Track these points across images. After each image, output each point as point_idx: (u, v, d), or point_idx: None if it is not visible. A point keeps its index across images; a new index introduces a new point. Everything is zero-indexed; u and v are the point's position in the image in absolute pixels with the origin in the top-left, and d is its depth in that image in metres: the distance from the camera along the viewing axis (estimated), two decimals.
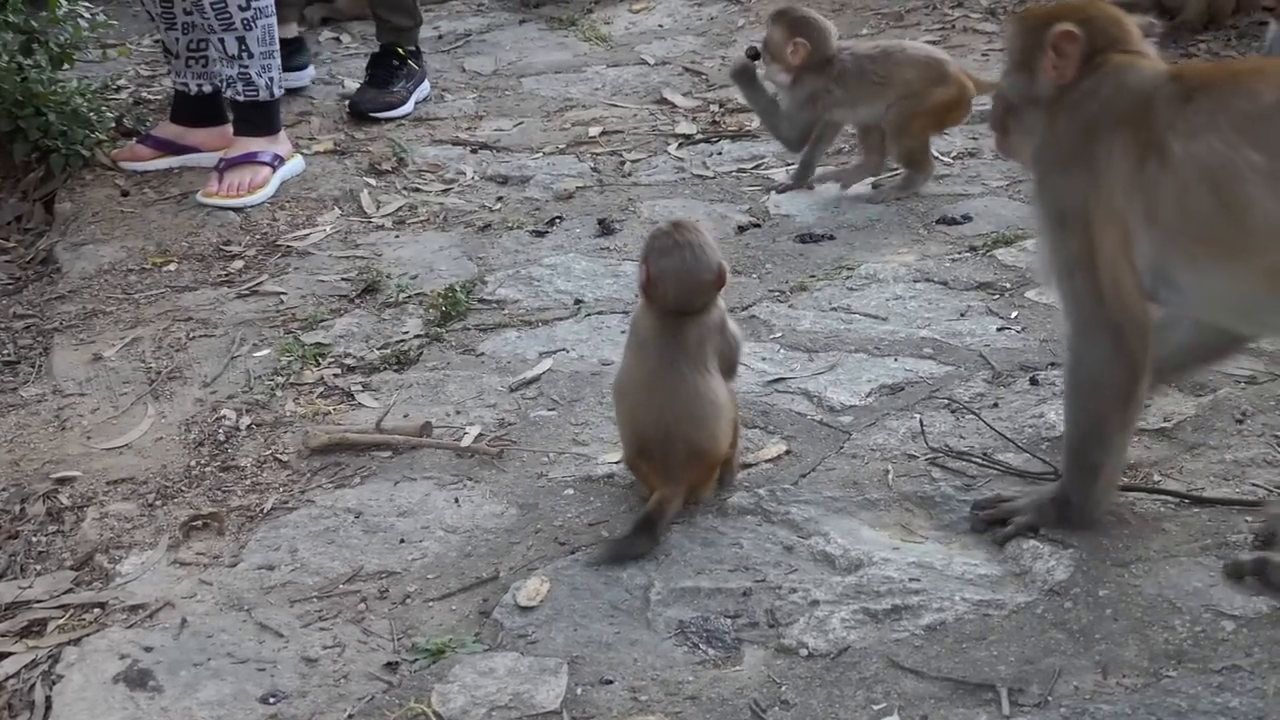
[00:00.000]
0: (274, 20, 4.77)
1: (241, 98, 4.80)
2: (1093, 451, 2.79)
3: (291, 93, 5.35)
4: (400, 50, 5.64)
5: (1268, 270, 2.50)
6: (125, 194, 4.81)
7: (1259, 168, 2.45)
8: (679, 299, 2.98)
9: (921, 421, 3.26)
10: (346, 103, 5.51)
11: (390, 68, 5.61)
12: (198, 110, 4.97)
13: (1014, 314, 3.73)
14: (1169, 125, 2.56)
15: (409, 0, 5.72)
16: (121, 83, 5.53)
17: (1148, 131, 2.59)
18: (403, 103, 5.54)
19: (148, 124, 5.28)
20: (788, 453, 3.24)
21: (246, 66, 4.75)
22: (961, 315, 3.76)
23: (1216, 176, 2.49)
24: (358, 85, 5.62)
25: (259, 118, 4.82)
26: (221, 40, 4.72)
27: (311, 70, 5.76)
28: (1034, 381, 3.41)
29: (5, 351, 3.97)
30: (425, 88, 5.71)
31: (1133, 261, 2.63)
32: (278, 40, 4.79)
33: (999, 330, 3.66)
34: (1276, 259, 2.48)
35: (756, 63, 4.50)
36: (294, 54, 5.55)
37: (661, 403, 2.94)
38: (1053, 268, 2.74)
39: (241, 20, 4.69)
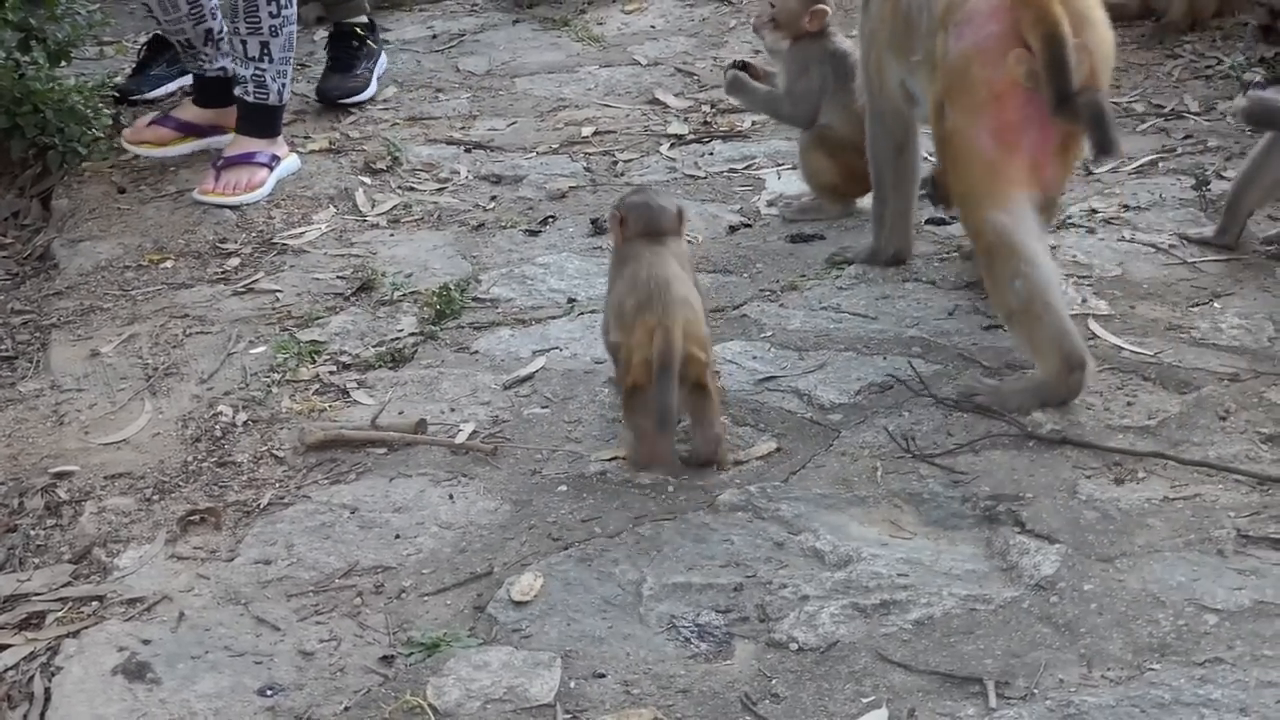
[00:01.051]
0: (295, 28, 4.83)
1: (250, 99, 4.83)
2: (879, 202, 4.03)
3: None
4: (358, 30, 5.66)
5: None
6: (122, 191, 4.84)
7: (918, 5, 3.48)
8: (649, 223, 3.35)
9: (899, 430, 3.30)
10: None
11: (350, 49, 5.62)
12: (220, 91, 5.00)
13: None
14: None
15: None
16: (118, 80, 5.55)
17: None
18: (366, 85, 5.57)
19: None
20: (778, 450, 3.28)
21: (263, 70, 4.78)
22: (949, 314, 3.80)
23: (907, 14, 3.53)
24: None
25: (263, 120, 4.85)
26: (244, 42, 4.75)
27: None
28: None
29: (3, 347, 4.01)
30: (383, 62, 5.75)
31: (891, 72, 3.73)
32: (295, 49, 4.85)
33: (986, 329, 3.70)
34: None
35: (745, 72, 4.52)
36: None
37: (663, 287, 3.18)
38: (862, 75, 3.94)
39: (269, 26, 4.73)
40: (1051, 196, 3.49)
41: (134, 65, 5.69)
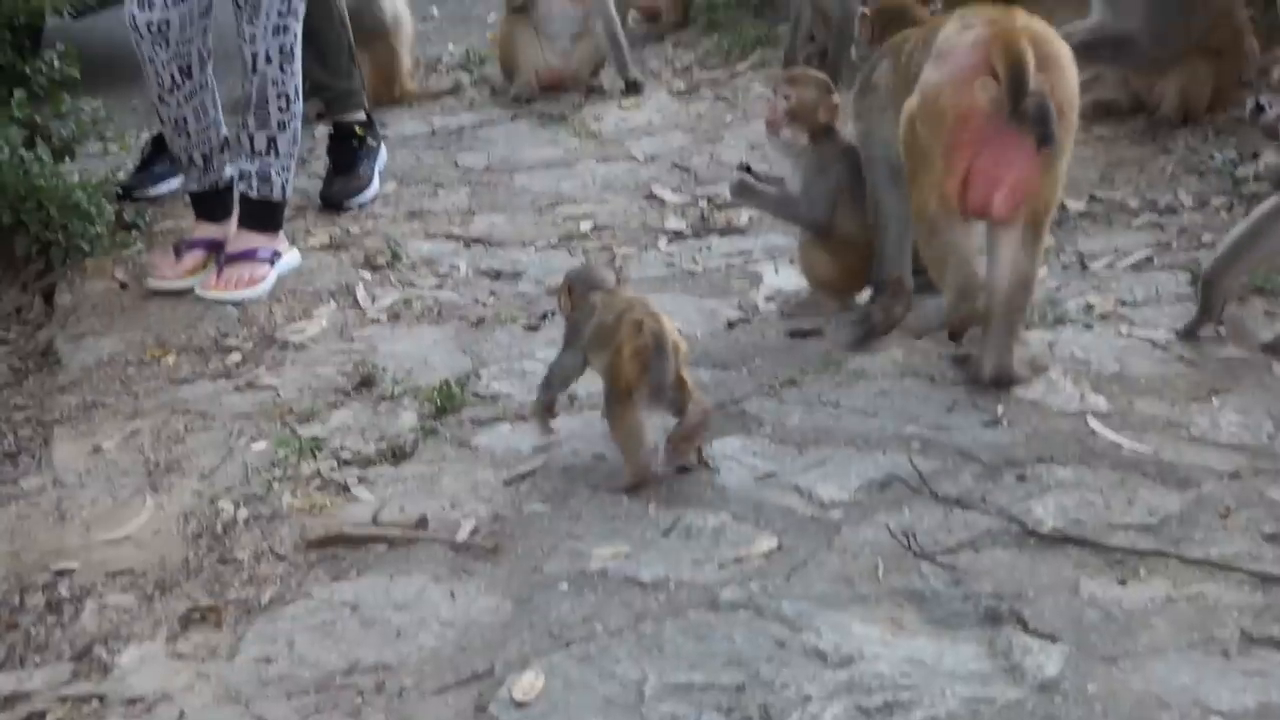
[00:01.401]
0: (300, 124, 4.87)
1: (255, 194, 4.87)
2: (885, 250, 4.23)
3: None
4: (357, 128, 5.72)
5: None
6: (124, 286, 4.87)
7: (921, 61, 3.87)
8: (593, 282, 3.76)
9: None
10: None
11: (351, 150, 5.68)
12: (225, 202, 5.02)
13: (1000, 409, 3.79)
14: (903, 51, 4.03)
15: (345, 61, 5.78)
16: (121, 176, 5.60)
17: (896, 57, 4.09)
18: (369, 184, 5.62)
19: (145, 219, 5.35)
20: (779, 547, 3.28)
21: (269, 164, 4.83)
22: (949, 410, 3.81)
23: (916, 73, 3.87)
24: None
25: (266, 215, 4.90)
26: (252, 137, 4.80)
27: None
28: (1021, 478, 3.46)
29: (5, 443, 4.02)
30: (383, 156, 5.81)
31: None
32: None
33: (985, 425, 3.72)
34: None
35: (750, 174, 4.54)
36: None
37: (637, 299, 3.64)
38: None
39: (278, 121, 4.78)
40: (998, 220, 3.84)
41: (137, 162, 5.74)
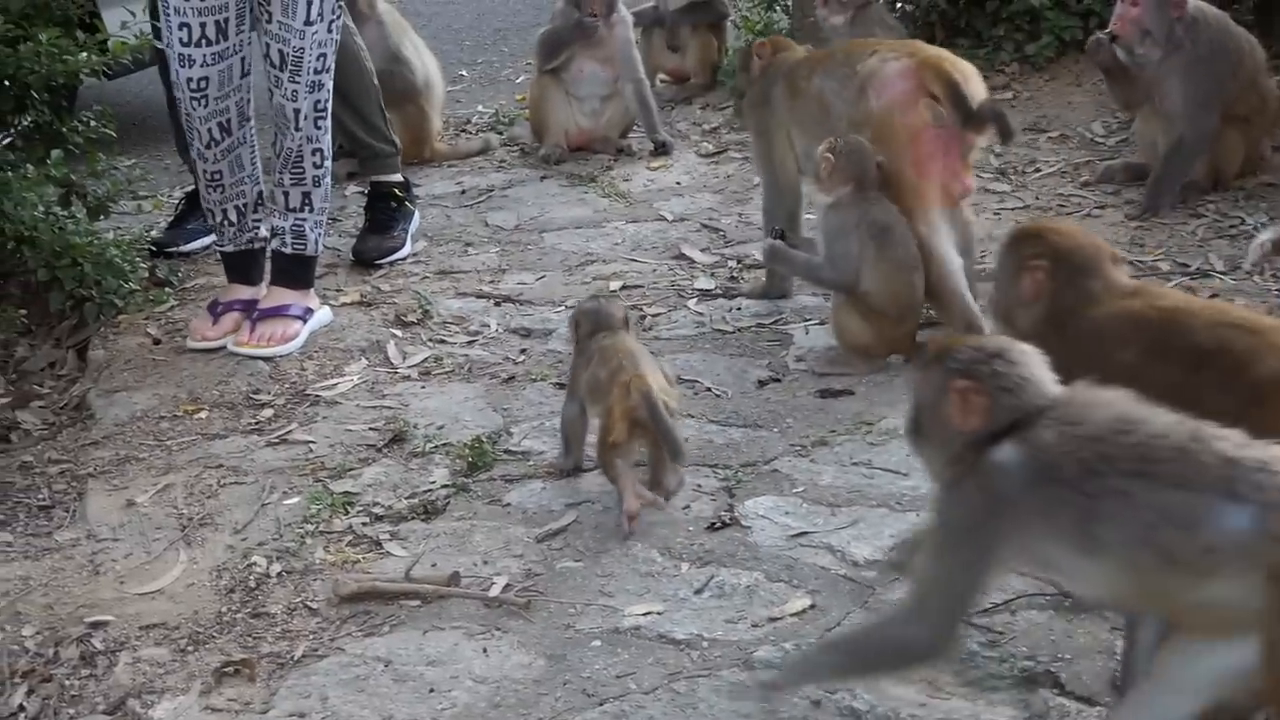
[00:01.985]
0: (331, 180, 4.92)
1: (289, 249, 4.91)
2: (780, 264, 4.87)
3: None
4: (395, 191, 5.78)
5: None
6: (157, 342, 4.90)
7: (832, 88, 4.66)
8: (599, 321, 3.97)
9: None
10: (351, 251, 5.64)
11: (389, 210, 5.73)
12: (256, 262, 5.07)
13: None
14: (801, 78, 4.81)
15: (380, 121, 5.85)
16: (154, 234, 5.65)
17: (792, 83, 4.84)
18: (402, 245, 5.67)
19: (178, 276, 5.39)
20: (812, 607, 3.28)
21: (303, 220, 4.88)
22: None
23: (819, 98, 4.69)
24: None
25: (299, 271, 4.93)
26: (287, 193, 4.85)
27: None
28: None
29: (40, 496, 4.03)
30: (416, 219, 5.86)
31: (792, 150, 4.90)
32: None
33: None
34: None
35: (783, 238, 4.60)
36: None
37: (631, 355, 3.81)
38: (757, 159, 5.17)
39: (312, 177, 4.84)
40: (954, 209, 4.59)
41: (171, 219, 5.79)
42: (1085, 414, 2.41)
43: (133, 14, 4.96)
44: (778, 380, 4.48)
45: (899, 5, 7.49)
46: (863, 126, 4.51)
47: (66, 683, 3.19)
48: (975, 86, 4.50)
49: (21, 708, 3.15)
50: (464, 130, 7.56)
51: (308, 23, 4.64)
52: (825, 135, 4.54)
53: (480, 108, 7.95)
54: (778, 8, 7.81)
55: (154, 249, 5.53)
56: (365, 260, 5.56)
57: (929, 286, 4.49)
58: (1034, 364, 2.51)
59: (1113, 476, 2.31)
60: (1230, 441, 2.30)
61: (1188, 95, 5.44)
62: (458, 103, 7.99)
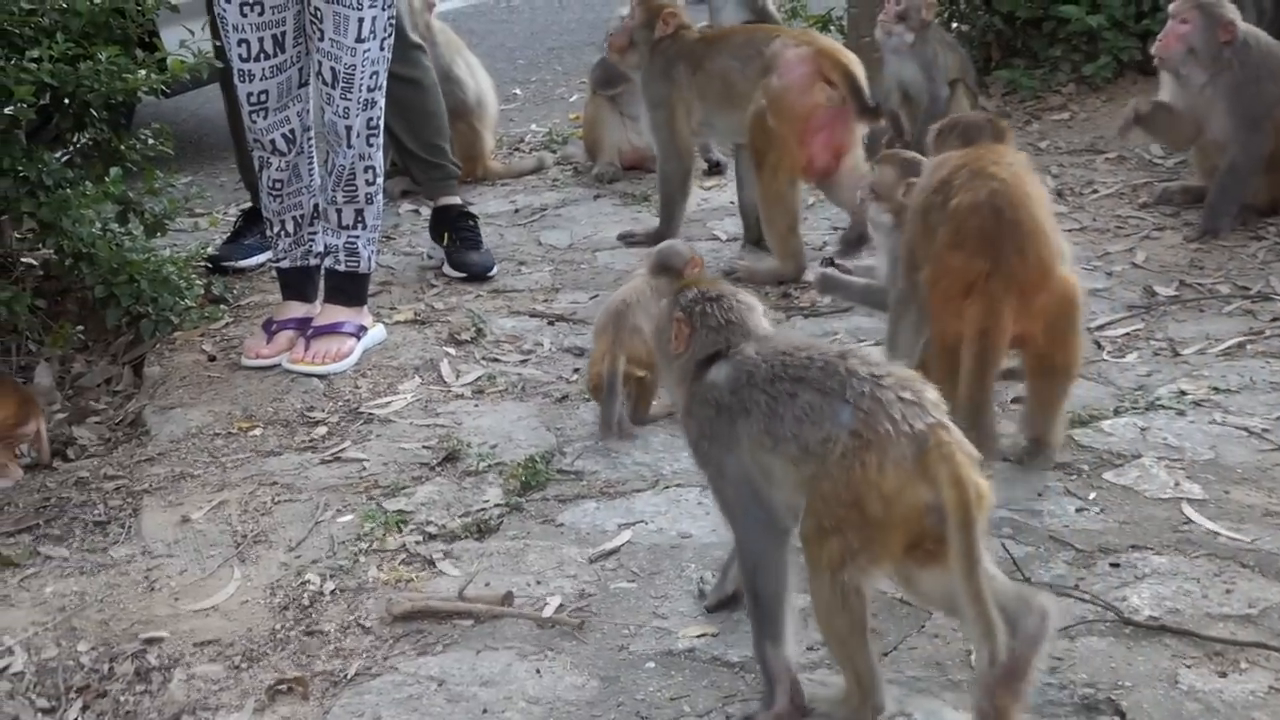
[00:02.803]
0: (383, 196, 4.95)
1: (342, 267, 4.93)
2: (669, 209, 5.83)
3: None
4: (469, 210, 5.88)
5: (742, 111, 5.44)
6: (212, 359, 4.92)
7: (735, 67, 5.45)
8: (664, 263, 4.41)
9: None
10: (442, 266, 5.72)
11: (472, 228, 5.81)
12: (309, 280, 5.09)
13: (1092, 495, 3.75)
14: (704, 57, 5.52)
15: (443, 143, 5.97)
16: (209, 251, 5.68)
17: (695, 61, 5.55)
18: (492, 260, 5.75)
19: (233, 293, 5.42)
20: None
21: (356, 237, 4.90)
22: (1039, 495, 3.77)
23: (724, 74, 5.49)
24: (444, 251, 5.77)
25: (353, 288, 4.95)
26: (340, 211, 4.87)
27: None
28: (1115, 565, 3.41)
29: (96, 512, 4.05)
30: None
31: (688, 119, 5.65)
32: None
33: (1078, 511, 3.67)
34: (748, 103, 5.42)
35: (834, 266, 4.51)
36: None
37: (619, 315, 4.31)
38: (655, 129, 5.72)
39: (365, 194, 4.86)
40: (832, 175, 5.46)
41: (228, 234, 5.81)
42: (775, 342, 3.00)
43: (191, 32, 4.98)
44: None
45: (955, 26, 7.47)
46: (764, 100, 5.32)
47: (121, 699, 3.20)
48: (863, 78, 5.33)
49: None
50: (517, 149, 7.59)
51: (359, 40, 4.65)
52: (728, 105, 5.48)
53: (534, 126, 7.97)
54: (832, 28, 7.80)
55: (210, 265, 5.56)
56: (477, 273, 5.64)
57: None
58: (746, 309, 3.09)
59: (784, 381, 2.85)
60: (862, 359, 2.84)
61: (1237, 117, 5.40)
62: (511, 121, 8.02)
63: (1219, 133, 5.45)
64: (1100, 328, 4.73)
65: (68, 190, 4.86)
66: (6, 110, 4.74)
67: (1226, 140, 5.44)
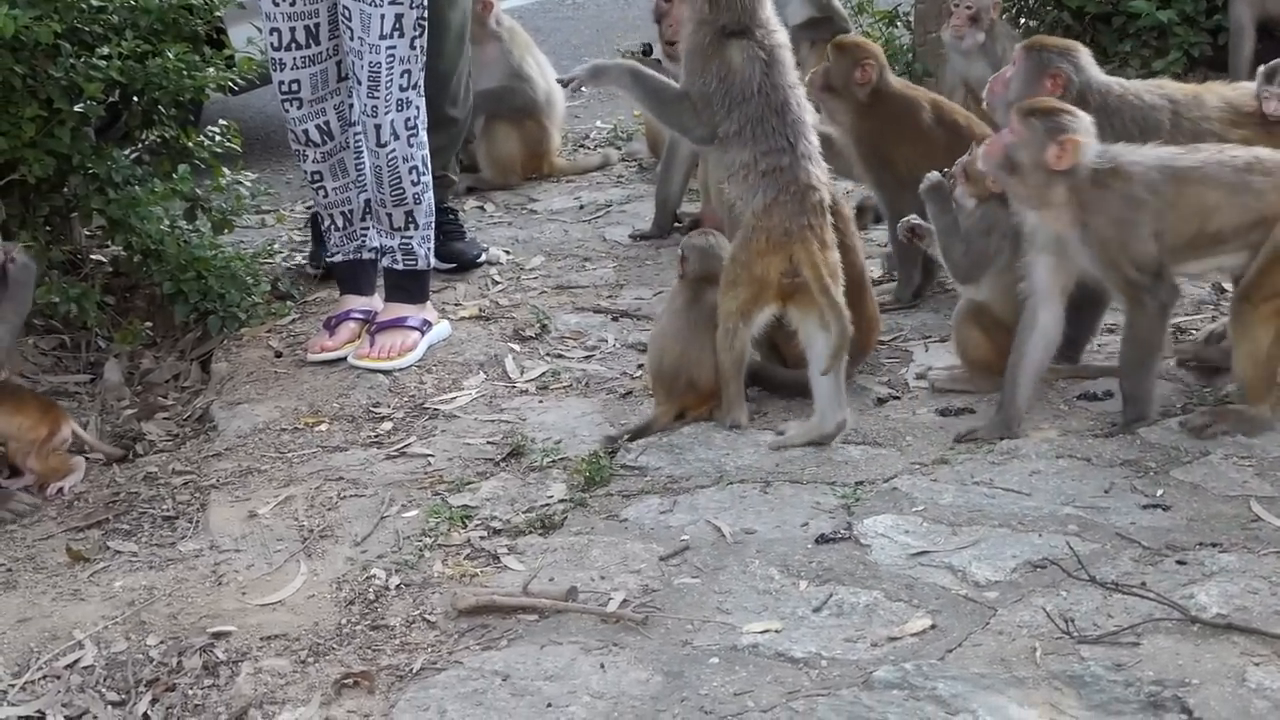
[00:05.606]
0: (432, 193, 4.95)
1: (400, 266, 4.95)
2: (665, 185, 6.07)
3: None
4: (450, 205, 5.89)
5: None
6: (279, 355, 4.96)
7: None
8: (699, 268, 4.38)
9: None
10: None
11: (454, 220, 5.83)
12: (366, 274, 5.12)
13: (1160, 492, 3.71)
14: None
15: (453, 161, 5.96)
16: (276, 248, 5.73)
17: None
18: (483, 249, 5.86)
19: (299, 289, 5.45)
20: (933, 627, 3.23)
21: (410, 237, 4.92)
22: (1105, 492, 3.74)
23: None
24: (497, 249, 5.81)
25: (413, 285, 4.97)
26: (390, 214, 4.89)
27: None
28: (1182, 563, 3.38)
29: (165, 507, 4.10)
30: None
31: None
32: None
33: (1145, 508, 3.64)
34: None
35: (951, 181, 4.45)
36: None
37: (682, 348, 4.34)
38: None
39: (412, 195, 4.87)
40: None
41: (313, 238, 5.82)
42: None
43: (259, 29, 5.02)
44: (897, 398, 4.43)
45: (1023, 22, 7.41)
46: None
47: (189, 692, 3.23)
48: None
49: (146, 716, 3.21)
50: (582, 145, 7.60)
51: (383, 37, 4.65)
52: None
53: (599, 123, 7.98)
54: (899, 24, 7.76)
55: (317, 273, 5.56)
56: (469, 262, 5.67)
57: None
58: None
59: None
60: None
61: None
62: (576, 118, 8.02)
63: None
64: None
65: (136, 187, 4.93)
66: (76, 108, 4.81)
67: None
